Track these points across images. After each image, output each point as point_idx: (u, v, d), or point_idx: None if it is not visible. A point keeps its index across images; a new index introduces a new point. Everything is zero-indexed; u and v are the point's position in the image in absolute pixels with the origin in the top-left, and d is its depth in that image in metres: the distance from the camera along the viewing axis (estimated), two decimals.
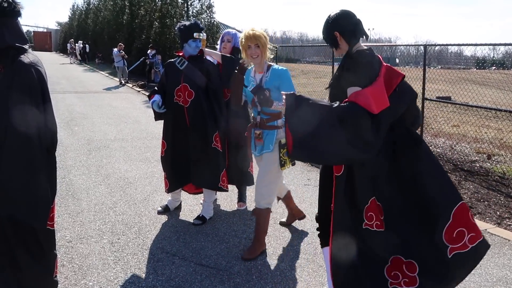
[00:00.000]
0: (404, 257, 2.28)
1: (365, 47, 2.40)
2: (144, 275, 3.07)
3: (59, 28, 61.91)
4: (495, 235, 3.80)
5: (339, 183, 2.32)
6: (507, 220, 4.16)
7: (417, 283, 2.26)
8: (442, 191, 2.25)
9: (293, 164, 3.42)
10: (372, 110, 2.18)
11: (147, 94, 4.12)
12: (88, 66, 28.35)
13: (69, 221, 3.97)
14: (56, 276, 2.48)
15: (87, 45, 32.82)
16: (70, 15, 48.36)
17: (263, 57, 3.22)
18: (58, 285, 2.54)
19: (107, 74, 21.90)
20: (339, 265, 2.36)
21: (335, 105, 2.24)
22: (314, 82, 14.45)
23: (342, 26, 2.36)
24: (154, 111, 3.97)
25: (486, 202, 4.60)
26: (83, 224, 3.92)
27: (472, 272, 3.14)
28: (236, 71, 3.48)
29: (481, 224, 4.02)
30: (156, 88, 4.01)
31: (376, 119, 2.19)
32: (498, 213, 4.33)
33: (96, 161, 6.05)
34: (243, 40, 3.18)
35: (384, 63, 2.37)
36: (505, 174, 5.56)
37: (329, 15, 2.42)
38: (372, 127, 2.18)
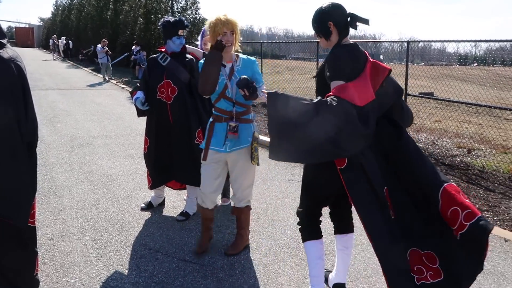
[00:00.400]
0: (421, 249, 2.24)
1: (352, 42, 2.42)
2: (126, 271, 3.06)
3: (41, 24, 60.82)
4: None
5: (348, 175, 2.22)
6: (485, 212, 4.26)
7: (442, 274, 2.19)
8: (429, 174, 2.23)
9: (258, 164, 3.21)
10: (355, 102, 2.19)
11: (130, 90, 4.07)
12: (71, 63, 27.93)
13: (50, 219, 3.92)
14: (37, 274, 2.45)
15: (70, 42, 32.30)
16: (53, 11, 47.56)
17: (235, 45, 3.02)
18: (40, 283, 2.52)
19: (90, 71, 21.61)
20: (389, 262, 2.21)
21: (317, 100, 2.23)
22: (299, 78, 14.51)
23: (337, 17, 2.37)
24: (137, 108, 3.95)
25: (466, 196, 4.69)
26: (65, 221, 3.88)
27: None
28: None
29: None
30: (138, 84, 3.98)
31: (363, 111, 2.20)
32: (477, 206, 4.42)
33: (79, 158, 5.98)
34: (219, 25, 2.89)
35: (370, 59, 2.39)
36: (484, 168, 5.68)
37: (322, 6, 2.42)
38: (360, 119, 2.17)
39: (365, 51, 2.43)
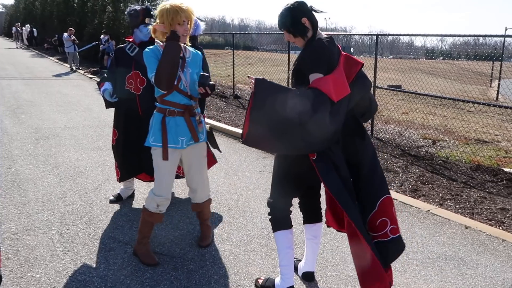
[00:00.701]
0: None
1: (326, 36, 2.43)
2: (95, 265, 3.01)
3: (3, 11, 58.13)
4: (437, 215, 4.04)
5: (320, 165, 2.28)
6: (448, 201, 4.43)
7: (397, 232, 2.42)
8: (376, 180, 2.38)
9: (220, 151, 3.35)
10: (332, 97, 2.21)
11: (98, 81, 3.98)
12: (36, 51, 26.88)
13: (14, 213, 3.80)
14: None
15: (34, 29, 31.02)
16: None
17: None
18: (3, 279, 2.45)
19: (56, 60, 20.89)
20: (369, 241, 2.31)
21: (299, 91, 2.22)
22: (271, 70, 14.52)
23: (308, 12, 2.36)
24: (105, 99, 3.87)
25: (430, 185, 4.87)
26: (30, 215, 3.77)
27: (415, 250, 3.36)
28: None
29: (424, 206, 4.26)
30: (105, 75, 3.89)
31: (336, 107, 2.24)
32: (440, 195, 4.59)
33: (45, 150, 5.80)
34: (179, 14, 2.67)
35: (343, 52, 2.42)
36: (448, 158, 5.90)
37: (285, 8, 2.37)
38: (331, 114, 2.21)
39: (339, 45, 2.46)
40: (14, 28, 31.45)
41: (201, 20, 4.00)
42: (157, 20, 2.77)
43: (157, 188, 2.93)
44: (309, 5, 2.40)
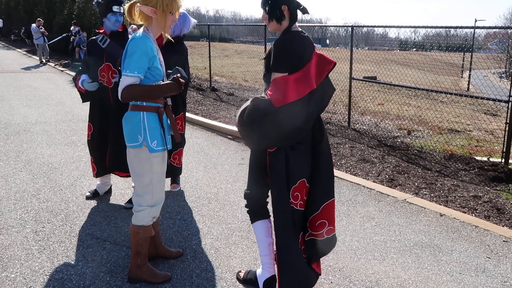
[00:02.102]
0: (304, 233, 2.53)
1: (300, 29, 2.43)
2: (73, 262, 2.94)
3: None
4: (413, 204, 4.14)
5: (272, 159, 2.38)
6: (423, 190, 4.54)
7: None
8: (325, 185, 2.48)
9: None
10: (287, 100, 2.26)
11: (73, 75, 3.86)
12: (2, 43, 25.87)
13: None
14: None
15: (0, 20, 29.79)
16: None
17: None
18: None
19: (24, 52, 20.17)
20: (282, 239, 2.43)
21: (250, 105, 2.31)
22: (248, 62, 14.45)
23: (291, 2, 2.35)
24: (81, 93, 3.77)
25: (406, 175, 4.98)
26: (2, 213, 3.64)
27: (392, 238, 3.43)
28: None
29: (400, 195, 4.36)
30: (80, 68, 3.78)
31: (293, 106, 2.29)
32: (416, 184, 4.70)
33: (16, 146, 5.60)
34: (176, 2, 2.42)
35: (316, 51, 2.43)
36: (422, 148, 6.04)
37: None
38: (289, 116, 2.29)
39: (313, 43, 2.47)
40: None
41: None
42: (142, 1, 2.41)
43: (153, 198, 2.60)
44: (300, 4, 2.41)
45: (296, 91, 2.27)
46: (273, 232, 2.49)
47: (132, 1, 2.47)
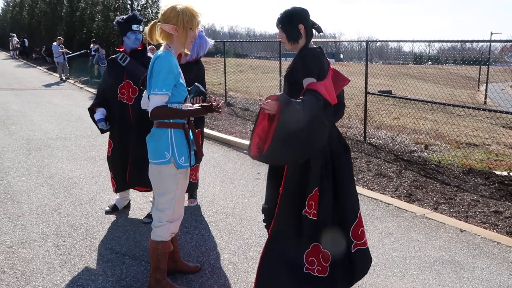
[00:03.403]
0: (322, 246, 2.48)
1: (316, 46, 2.50)
2: (93, 277, 2.98)
3: None
4: (432, 219, 4.08)
5: (290, 169, 2.40)
6: (442, 205, 4.48)
7: (327, 272, 2.47)
8: (354, 196, 2.55)
9: None
10: (328, 100, 2.32)
11: (91, 92, 3.98)
12: (24, 61, 26.65)
13: (9, 225, 3.75)
14: None
15: (25, 40, 30.69)
16: (3, 6, 45.15)
17: None
18: None
19: (45, 70, 20.72)
20: (273, 245, 2.46)
21: (304, 102, 2.26)
22: (262, 77, 14.59)
23: (306, 20, 2.44)
24: (95, 124, 3.92)
25: (424, 189, 4.92)
26: (25, 227, 3.72)
27: (412, 254, 3.38)
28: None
29: (419, 210, 4.30)
30: (96, 97, 3.90)
31: (331, 108, 2.35)
32: (434, 199, 4.64)
33: (37, 161, 5.74)
34: (195, 18, 2.49)
35: (331, 66, 2.51)
36: (440, 162, 5.97)
37: (288, 9, 2.45)
38: (328, 112, 2.34)
39: (327, 58, 2.54)
40: (14, 39, 30.88)
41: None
42: (163, 20, 2.47)
43: (174, 213, 2.62)
44: (315, 23, 2.48)
45: (330, 94, 2.34)
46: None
47: (152, 22, 2.56)
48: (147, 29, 2.57)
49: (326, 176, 2.43)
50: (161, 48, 2.54)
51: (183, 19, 2.44)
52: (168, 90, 2.43)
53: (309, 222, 2.43)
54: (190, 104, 2.64)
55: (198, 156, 2.73)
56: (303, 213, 2.42)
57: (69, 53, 17.40)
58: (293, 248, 2.46)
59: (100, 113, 3.85)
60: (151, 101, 2.42)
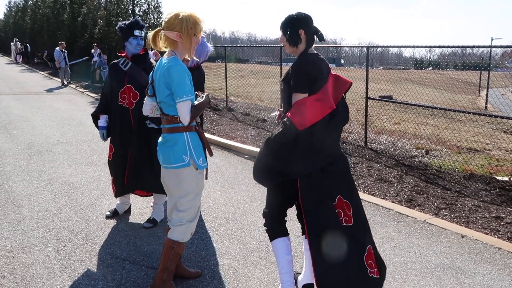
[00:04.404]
0: (372, 247, 2.53)
1: (315, 52, 2.52)
2: (93, 281, 2.98)
3: None
4: (433, 225, 4.07)
5: (302, 181, 2.43)
6: (443, 210, 4.47)
7: (379, 273, 2.52)
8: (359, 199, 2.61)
9: None
10: (308, 122, 2.34)
11: (93, 97, 4.01)
12: (26, 66, 26.76)
13: (9, 230, 3.75)
14: None
15: (28, 45, 30.83)
16: (5, 11, 45.38)
17: None
18: None
19: (47, 75, 20.80)
20: (324, 263, 2.43)
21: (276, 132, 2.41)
22: (263, 82, 14.63)
23: (307, 26, 2.47)
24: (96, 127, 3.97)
25: (425, 195, 4.91)
26: (25, 232, 3.72)
27: (413, 260, 3.38)
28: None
29: (420, 215, 4.29)
30: (100, 103, 3.94)
31: (316, 130, 2.37)
32: (435, 204, 4.63)
33: (38, 166, 5.75)
34: (198, 24, 2.56)
35: (332, 72, 2.52)
36: (441, 167, 5.96)
37: (291, 14, 2.50)
38: (311, 139, 2.36)
39: (328, 64, 2.55)
40: (18, 44, 31.02)
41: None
42: (167, 27, 2.53)
43: (193, 214, 2.70)
44: (318, 30, 2.51)
45: (317, 112, 2.35)
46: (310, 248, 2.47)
47: (156, 30, 2.62)
48: (150, 36, 2.63)
49: (336, 183, 2.46)
50: (166, 55, 2.60)
51: (187, 26, 2.51)
52: (192, 94, 2.54)
53: (345, 229, 2.45)
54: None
55: (210, 156, 2.81)
56: (336, 222, 2.44)
57: (72, 62, 17.51)
58: (353, 260, 2.44)
59: (103, 120, 3.88)
60: (183, 108, 2.50)
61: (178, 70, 2.49)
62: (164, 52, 2.66)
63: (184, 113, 2.51)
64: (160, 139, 2.69)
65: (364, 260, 2.47)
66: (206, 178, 2.79)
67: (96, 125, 3.96)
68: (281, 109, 2.67)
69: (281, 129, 2.38)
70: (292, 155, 2.37)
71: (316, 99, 2.37)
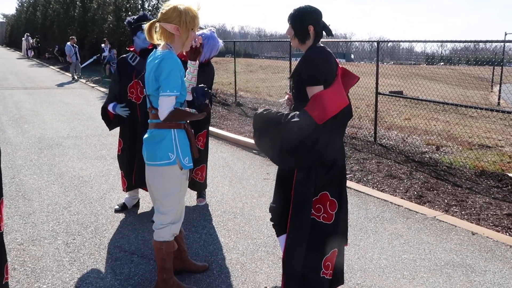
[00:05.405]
0: (338, 249, 2.51)
1: (323, 45, 2.47)
2: (102, 275, 3.00)
3: (4, 21, 58.58)
4: (443, 221, 4.02)
5: (300, 173, 2.40)
6: (454, 207, 4.42)
7: (332, 275, 2.52)
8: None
9: None
10: (326, 116, 2.29)
11: (103, 91, 4.02)
12: (37, 61, 27.02)
13: (20, 223, 3.79)
14: (7, 281, 2.37)
15: (38, 40, 31.11)
16: (17, 7, 45.83)
17: None
18: None
19: (58, 69, 20.98)
20: (292, 252, 2.44)
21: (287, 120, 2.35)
22: (272, 77, 14.57)
23: (317, 21, 2.41)
24: (107, 120, 3.94)
25: (435, 191, 4.86)
26: (36, 225, 3.76)
27: (422, 257, 3.34)
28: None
29: (430, 212, 4.25)
30: (109, 97, 3.94)
31: (326, 128, 2.32)
32: (446, 201, 4.58)
33: (48, 159, 5.80)
34: (197, 18, 2.48)
35: (340, 65, 2.47)
36: (452, 164, 5.89)
37: (303, 7, 2.42)
38: (320, 138, 2.31)
39: (336, 58, 2.51)
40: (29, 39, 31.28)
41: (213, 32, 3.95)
42: (164, 20, 2.44)
43: (177, 215, 2.62)
44: (326, 25, 2.45)
45: (336, 105, 2.31)
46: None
47: (151, 21, 2.51)
48: (146, 28, 2.51)
49: (331, 181, 2.43)
50: (160, 48, 2.50)
51: (186, 19, 2.42)
52: (178, 91, 2.42)
53: (319, 226, 2.43)
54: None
55: (195, 157, 2.67)
56: (310, 216, 2.41)
57: (84, 64, 17.66)
58: (313, 256, 2.44)
59: (112, 104, 3.85)
60: (164, 102, 2.39)
61: (170, 64, 2.38)
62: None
63: (163, 108, 2.39)
64: (146, 135, 2.58)
65: (323, 260, 2.45)
66: (189, 180, 2.68)
67: (104, 119, 3.96)
68: (290, 93, 2.62)
69: (297, 120, 2.29)
70: (302, 146, 2.31)
71: (332, 92, 2.32)
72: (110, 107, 3.84)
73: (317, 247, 2.43)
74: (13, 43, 42.12)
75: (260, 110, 2.48)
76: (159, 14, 2.48)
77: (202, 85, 2.66)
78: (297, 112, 2.34)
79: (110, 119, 3.96)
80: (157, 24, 2.49)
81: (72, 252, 3.30)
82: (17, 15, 45.97)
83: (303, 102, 2.37)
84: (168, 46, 2.47)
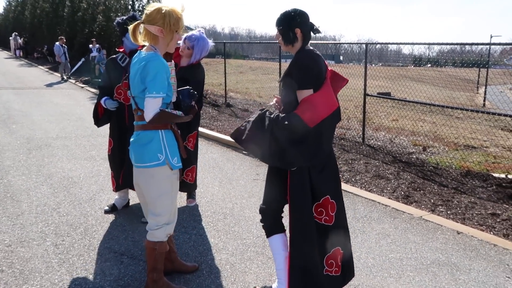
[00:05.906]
0: (341, 248, 2.56)
1: (312, 48, 2.51)
2: (91, 276, 3.00)
3: None
4: (429, 221, 4.10)
5: (294, 178, 2.43)
6: (440, 207, 4.50)
7: (339, 272, 2.57)
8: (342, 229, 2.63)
9: None
10: (318, 118, 2.34)
11: (92, 92, 4.02)
12: (26, 61, 26.69)
13: (8, 224, 3.77)
14: None
15: (27, 40, 30.70)
16: (5, 6, 45.19)
17: None
18: None
19: (47, 69, 20.76)
20: (298, 253, 2.47)
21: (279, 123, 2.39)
22: (262, 78, 14.61)
23: (304, 25, 2.43)
24: (96, 118, 3.92)
25: (421, 191, 4.94)
26: (24, 226, 3.74)
27: (408, 256, 3.41)
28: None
29: (416, 212, 4.32)
30: (99, 89, 3.93)
31: (319, 129, 2.37)
32: (432, 201, 4.66)
33: (37, 160, 5.76)
34: (181, 20, 2.47)
35: (329, 68, 2.51)
36: (438, 164, 5.99)
37: (289, 11, 2.45)
38: (314, 138, 2.37)
39: (325, 61, 2.55)
40: (17, 39, 30.83)
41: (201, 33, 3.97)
42: (148, 21, 2.43)
43: (171, 216, 2.63)
44: (314, 24, 2.48)
45: (326, 108, 2.35)
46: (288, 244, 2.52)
47: (135, 23, 2.51)
48: (130, 29, 2.51)
49: (326, 182, 2.47)
50: (145, 49, 2.49)
51: (170, 21, 2.42)
52: (164, 93, 2.42)
53: (321, 228, 2.48)
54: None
55: (182, 156, 2.68)
56: (313, 219, 2.47)
57: (73, 69, 17.51)
58: (315, 257, 2.48)
59: (104, 98, 3.82)
60: (149, 104, 2.38)
61: (156, 65, 2.37)
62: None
63: (148, 110, 2.38)
64: (132, 137, 2.55)
65: (325, 259, 2.50)
66: (180, 180, 2.69)
67: (94, 116, 3.94)
68: (278, 96, 2.65)
69: (287, 122, 2.33)
70: (293, 147, 2.35)
71: (322, 95, 2.36)
72: (102, 101, 3.82)
73: (318, 247, 2.48)
74: (1, 43, 41.53)
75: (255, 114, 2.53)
76: (143, 16, 2.48)
77: (188, 87, 2.67)
78: (289, 114, 2.37)
79: (99, 117, 3.95)
80: (142, 25, 2.50)
81: (61, 254, 3.30)
82: (4, 14, 45.35)
83: (292, 105, 2.41)
84: (152, 48, 2.47)
